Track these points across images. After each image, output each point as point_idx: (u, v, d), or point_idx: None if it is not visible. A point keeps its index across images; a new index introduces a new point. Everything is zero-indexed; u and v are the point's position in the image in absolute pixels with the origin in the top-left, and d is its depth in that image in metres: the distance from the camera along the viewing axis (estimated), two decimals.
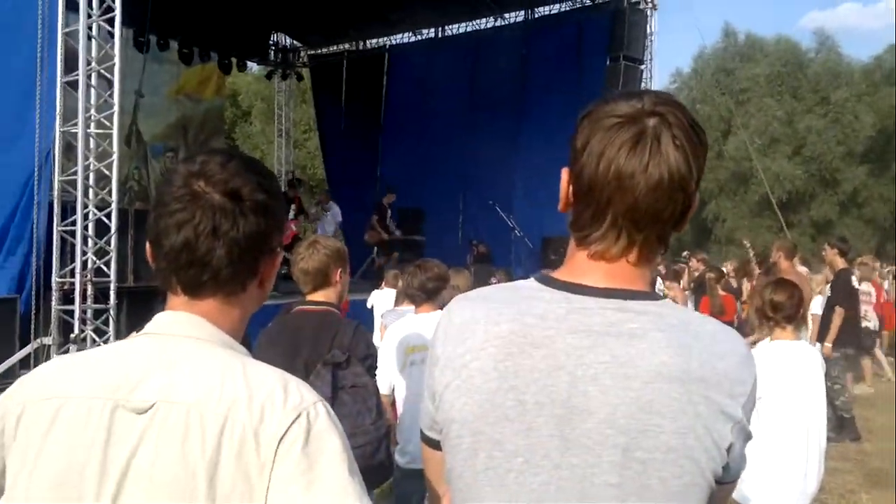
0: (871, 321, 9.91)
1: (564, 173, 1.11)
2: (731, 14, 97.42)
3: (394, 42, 14.36)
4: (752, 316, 3.90)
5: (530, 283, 1.12)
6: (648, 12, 11.72)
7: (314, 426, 1.02)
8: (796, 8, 74.15)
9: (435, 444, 1.17)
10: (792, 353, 3.24)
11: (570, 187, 1.10)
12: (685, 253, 13.36)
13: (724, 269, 10.00)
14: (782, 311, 3.24)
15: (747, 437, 1.08)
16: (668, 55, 63.94)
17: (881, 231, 31.58)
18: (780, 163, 31.18)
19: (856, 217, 32.28)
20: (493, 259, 11.51)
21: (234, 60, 14.06)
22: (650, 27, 11.78)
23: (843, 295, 7.09)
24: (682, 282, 9.64)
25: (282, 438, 1.00)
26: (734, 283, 9.95)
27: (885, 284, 11.66)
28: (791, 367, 3.20)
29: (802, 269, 9.73)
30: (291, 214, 10.96)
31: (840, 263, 7.40)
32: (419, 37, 14.07)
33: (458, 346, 1.10)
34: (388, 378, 3.50)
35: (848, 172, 31.75)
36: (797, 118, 32.60)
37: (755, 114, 32.68)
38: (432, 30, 13.83)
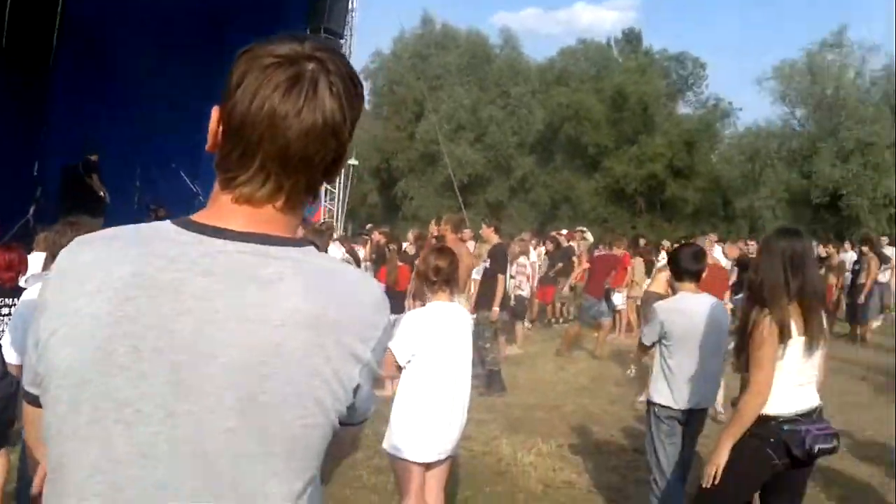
0: (524, 290, 11.27)
1: (215, 112, 1.07)
2: (432, 3, 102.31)
3: None
4: (414, 278, 4.18)
5: (166, 225, 1.05)
6: None
7: None
8: (488, 6, 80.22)
9: (36, 401, 1.06)
10: (446, 314, 3.52)
11: (220, 126, 1.05)
12: (368, 226, 13.90)
13: (403, 244, 10.64)
14: (441, 275, 3.54)
15: (375, 378, 1.10)
16: (369, 34, 65.37)
17: (542, 213, 35.94)
18: (464, 148, 33.89)
19: (523, 201, 36.31)
20: None
21: None
22: (352, 3, 11.88)
23: (501, 265, 7.99)
24: (365, 252, 10.08)
25: None
26: (413, 251, 10.65)
27: (533, 257, 13.24)
28: (444, 326, 3.48)
29: (471, 244, 10.76)
30: None
31: (495, 239, 8.33)
32: None
33: (72, 290, 1.00)
34: (18, 343, 3.14)
35: (519, 160, 35.55)
36: (481, 108, 35.61)
37: (446, 100, 35.05)
38: None
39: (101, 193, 10.46)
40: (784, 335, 2.93)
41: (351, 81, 1.06)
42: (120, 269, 0.99)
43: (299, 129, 1.00)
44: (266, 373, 0.97)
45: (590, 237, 16.04)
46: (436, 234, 10.37)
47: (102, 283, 0.99)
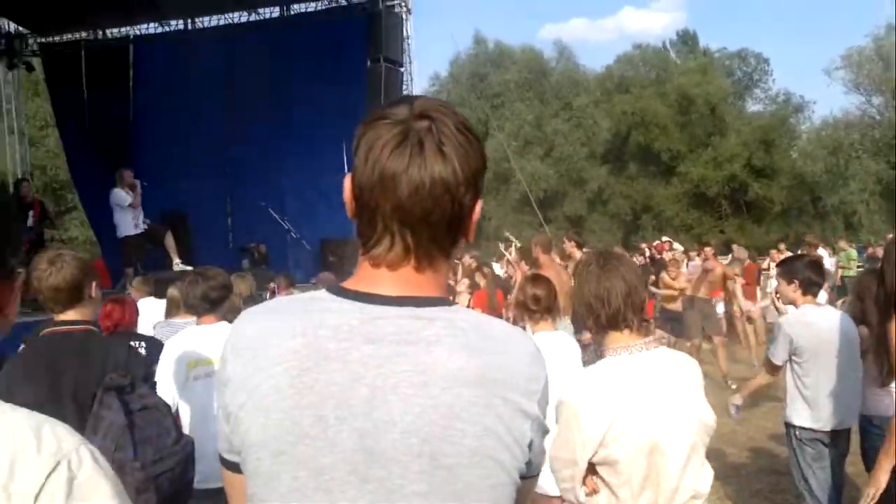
0: None
1: (347, 180, 1.08)
2: (481, 22, 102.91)
3: (138, 32, 13.31)
4: (514, 309, 4.04)
5: (322, 294, 1.09)
6: (403, 15, 11.87)
7: (78, 475, 0.91)
8: (535, 20, 79.47)
9: (234, 468, 1.10)
10: (553, 344, 3.40)
11: (352, 193, 1.07)
12: None
13: (498, 266, 10.42)
14: (541, 304, 3.50)
15: (544, 431, 1.09)
16: (426, 59, 66.66)
17: (624, 224, 35.22)
18: (534, 163, 33.63)
19: (602, 213, 35.71)
20: (270, 263, 11.05)
21: None
22: (406, 31, 11.97)
23: None
24: (457, 277, 9.89)
25: (38, 494, 0.88)
26: (505, 274, 10.42)
27: None
28: (553, 358, 3.32)
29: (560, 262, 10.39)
30: (29, 222, 9.38)
31: (578, 254, 7.89)
32: (166, 28, 13.19)
33: (250, 364, 1.04)
34: (170, 395, 3.17)
35: (592, 172, 35.04)
36: (545, 122, 35.33)
37: (509, 117, 34.94)
38: (180, 21, 13.02)
39: (174, 259, 9.65)
40: None
41: (462, 135, 1.04)
42: (291, 340, 1.02)
43: (409, 187, 1.00)
44: (443, 435, 0.98)
45: (678, 247, 15.51)
46: (511, 257, 10.07)
47: (277, 356, 1.02)
